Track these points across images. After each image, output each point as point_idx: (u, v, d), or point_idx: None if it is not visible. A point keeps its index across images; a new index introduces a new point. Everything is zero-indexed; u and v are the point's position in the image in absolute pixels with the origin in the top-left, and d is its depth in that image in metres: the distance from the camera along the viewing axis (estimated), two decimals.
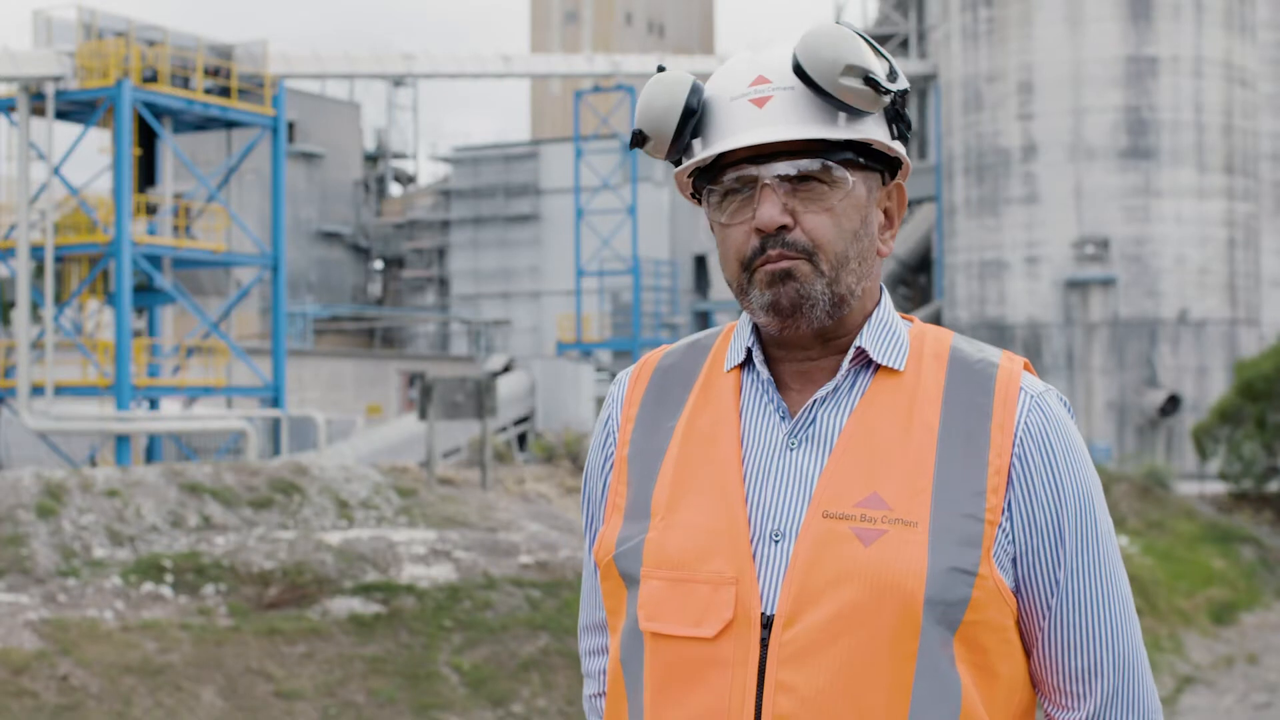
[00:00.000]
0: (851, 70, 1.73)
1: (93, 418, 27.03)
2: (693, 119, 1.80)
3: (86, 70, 27.45)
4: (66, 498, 15.58)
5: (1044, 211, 36.29)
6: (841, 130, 1.77)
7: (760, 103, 1.78)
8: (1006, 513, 1.77)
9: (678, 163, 1.86)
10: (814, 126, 1.76)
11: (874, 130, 1.80)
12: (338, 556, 15.19)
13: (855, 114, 1.77)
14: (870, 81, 1.74)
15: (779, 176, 1.77)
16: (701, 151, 1.82)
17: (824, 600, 1.72)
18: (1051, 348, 36.28)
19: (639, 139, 1.83)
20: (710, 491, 1.80)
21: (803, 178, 1.78)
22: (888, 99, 1.77)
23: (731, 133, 1.79)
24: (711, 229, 1.87)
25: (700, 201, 1.87)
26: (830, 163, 1.78)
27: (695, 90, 1.80)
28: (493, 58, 38.21)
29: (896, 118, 1.82)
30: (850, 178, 1.79)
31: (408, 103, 72.65)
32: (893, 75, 1.80)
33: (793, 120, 1.77)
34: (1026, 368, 1.86)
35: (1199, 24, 36.01)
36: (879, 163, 1.83)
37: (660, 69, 1.85)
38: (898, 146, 1.83)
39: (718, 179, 1.82)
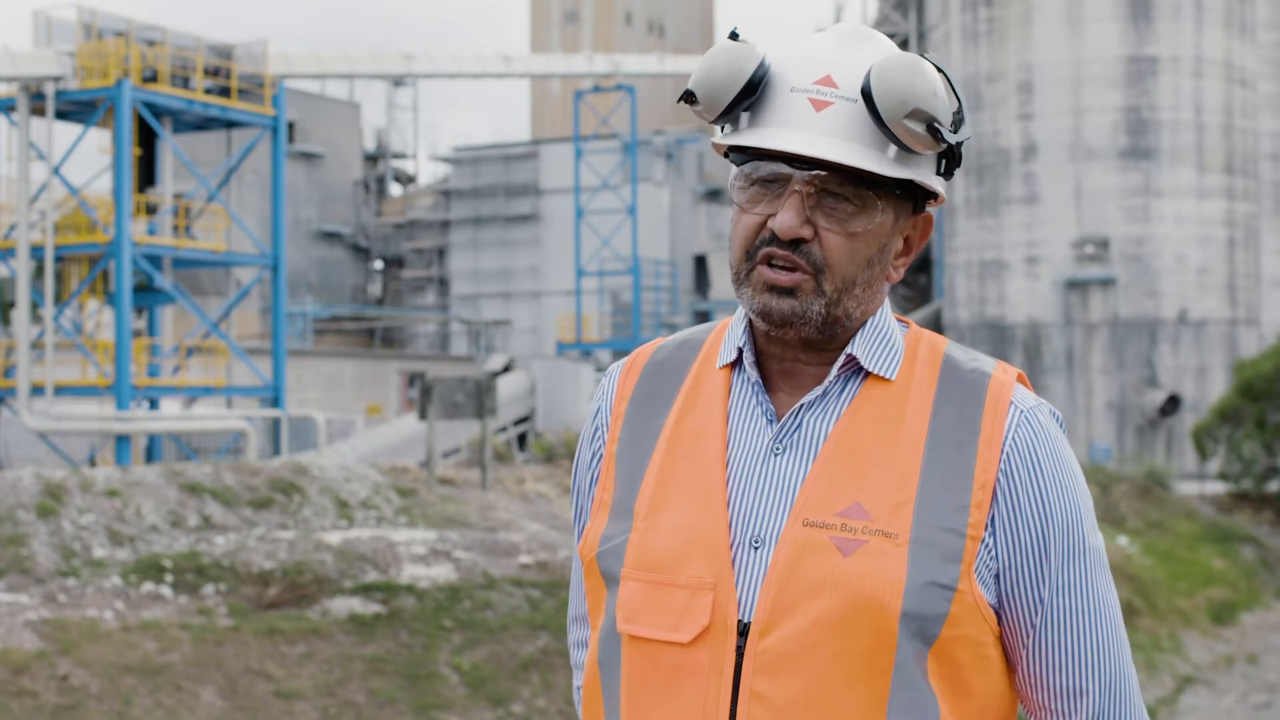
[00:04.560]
0: (917, 115, 1.69)
1: (93, 418, 27.03)
2: (750, 97, 1.76)
3: (86, 70, 27.45)
4: (66, 498, 15.58)
5: (1044, 211, 36.29)
6: (889, 165, 1.73)
7: (819, 106, 1.73)
8: (990, 528, 1.74)
9: (721, 127, 1.82)
10: (864, 153, 1.72)
11: (921, 168, 1.77)
12: (338, 556, 15.19)
13: (909, 151, 1.74)
14: (933, 130, 1.71)
15: (810, 185, 1.74)
16: (746, 129, 1.77)
17: (801, 609, 1.70)
18: (1051, 348, 36.27)
19: (689, 98, 1.79)
20: (693, 494, 1.78)
21: (832, 194, 1.75)
22: (945, 146, 1.74)
23: (781, 126, 1.75)
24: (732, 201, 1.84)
25: (728, 156, 1.84)
26: (864, 190, 1.75)
27: (762, 66, 1.75)
28: (493, 58, 38.21)
29: (949, 154, 1.78)
30: (880, 205, 1.76)
31: (408, 103, 72.66)
32: (959, 119, 1.75)
33: (845, 139, 1.72)
34: (1020, 379, 1.83)
35: (1199, 24, 36.02)
36: (914, 193, 1.80)
37: (733, 35, 1.80)
38: (938, 183, 1.79)
39: (752, 161, 1.78)
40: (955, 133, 1.75)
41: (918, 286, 48.19)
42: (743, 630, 1.72)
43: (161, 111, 28.93)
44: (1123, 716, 1.80)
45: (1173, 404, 35.11)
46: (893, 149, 1.73)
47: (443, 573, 15.32)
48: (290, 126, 49.71)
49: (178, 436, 29.85)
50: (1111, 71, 35.79)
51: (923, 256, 46.11)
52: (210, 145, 36.94)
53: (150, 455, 28.75)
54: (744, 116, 1.78)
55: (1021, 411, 1.78)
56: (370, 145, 57.79)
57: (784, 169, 1.75)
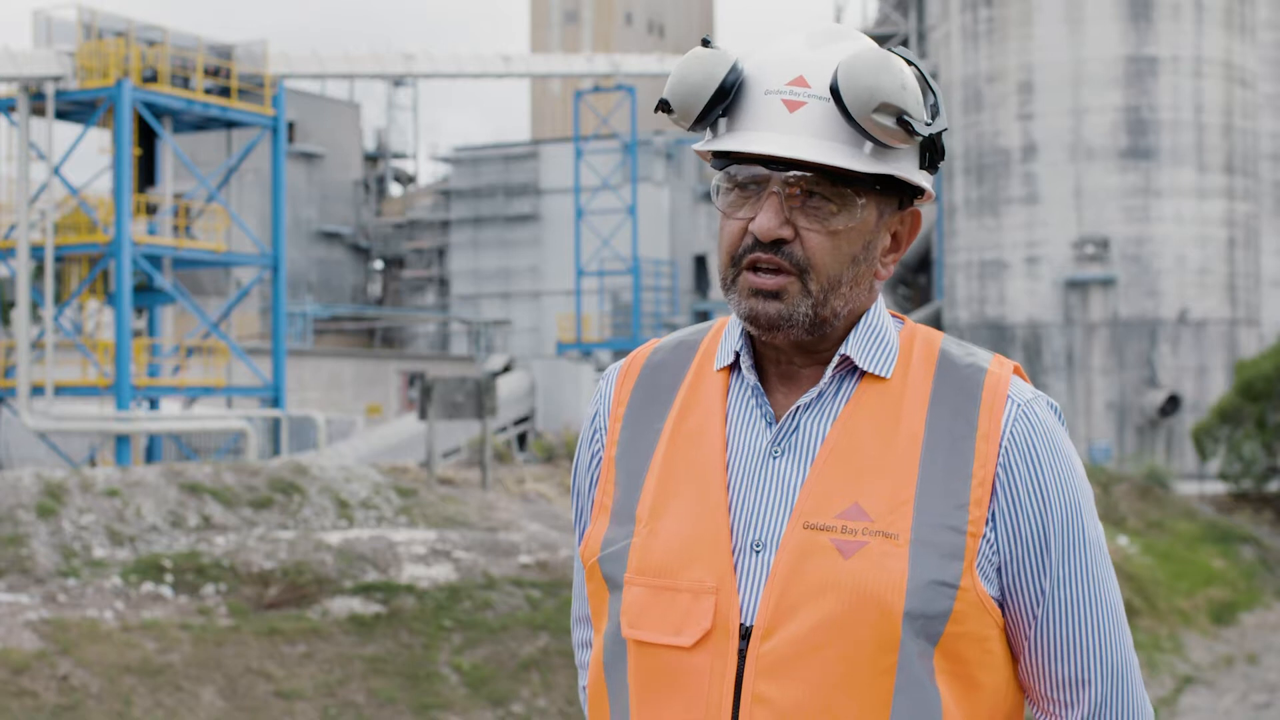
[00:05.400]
0: (886, 108, 1.69)
1: (93, 418, 27.02)
2: (723, 101, 1.76)
3: (86, 70, 27.45)
4: (66, 498, 15.58)
5: (1044, 211, 36.28)
6: (864, 161, 1.72)
7: (792, 106, 1.74)
8: (990, 523, 1.74)
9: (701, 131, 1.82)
10: (838, 150, 1.72)
11: (900, 163, 1.76)
12: (338, 556, 15.19)
13: (885, 146, 1.73)
14: (904, 122, 1.70)
15: (791, 187, 1.74)
16: (724, 134, 1.78)
17: (802, 612, 1.70)
18: (1051, 348, 36.27)
19: (664, 106, 1.79)
20: (694, 498, 1.78)
21: (812, 193, 1.75)
22: (919, 139, 1.73)
23: (755, 129, 1.75)
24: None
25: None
26: (843, 188, 1.74)
27: (734, 71, 1.75)
28: (493, 58, 38.19)
29: (931, 147, 1.77)
30: (860, 202, 1.75)
31: (408, 103, 72.58)
32: (935, 112, 1.75)
33: (817, 137, 1.72)
34: (1017, 371, 1.83)
35: (1199, 24, 36.01)
36: (898, 188, 1.79)
37: (705, 42, 1.80)
38: (921, 178, 1.79)
39: (732, 165, 1.78)
40: (930, 126, 1.74)
41: (918, 286, 48.17)
42: (744, 634, 1.72)
43: (161, 111, 28.93)
44: (1125, 704, 1.80)
45: (1173, 404, 35.10)
46: (868, 145, 1.73)
47: (443, 573, 15.32)
48: (290, 126, 49.71)
49: (178, 436, 29.85)
50: (1111, 71, 35.78)
51: (923, 256, 46.10)
52: (210, 145, 36.93)
53: (150, 455, 28.75)
54: (721, 122, 1.79)
55: (1018, 405, 1.78)
56: (370, 145, 57.78)
57: (762, 171, 1.75)
